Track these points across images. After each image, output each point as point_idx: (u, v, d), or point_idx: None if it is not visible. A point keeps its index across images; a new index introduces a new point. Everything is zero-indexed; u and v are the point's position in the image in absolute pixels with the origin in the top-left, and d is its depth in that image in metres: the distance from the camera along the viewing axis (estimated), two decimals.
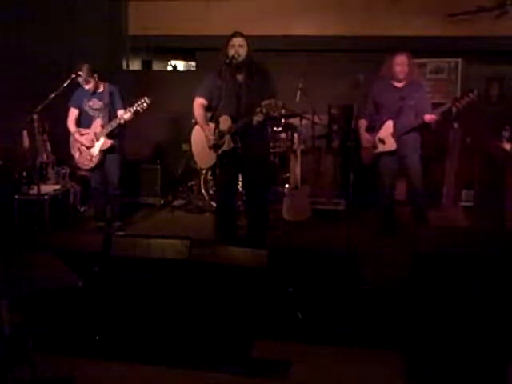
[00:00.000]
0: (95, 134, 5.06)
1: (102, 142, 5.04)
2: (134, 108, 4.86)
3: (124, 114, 4.91)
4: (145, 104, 4.84)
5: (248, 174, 4.40)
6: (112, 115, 5.06)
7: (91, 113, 5.11)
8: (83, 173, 5.92)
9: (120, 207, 5.39)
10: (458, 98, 4.51)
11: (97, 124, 5.06)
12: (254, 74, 4.21)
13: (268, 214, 4.53)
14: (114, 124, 4.97)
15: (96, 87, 5.08)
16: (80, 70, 4.91)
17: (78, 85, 5.07)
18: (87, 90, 5.09)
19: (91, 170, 5.21)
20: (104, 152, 5.08)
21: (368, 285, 3.76)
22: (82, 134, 5.12)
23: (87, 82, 5.00)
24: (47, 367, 2.90)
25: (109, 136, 5.03)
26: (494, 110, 5.60)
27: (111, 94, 5.11)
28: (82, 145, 5.12)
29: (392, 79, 4.73)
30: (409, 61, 4.64)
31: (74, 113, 5.16)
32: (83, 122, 5.17)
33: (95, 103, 5.10)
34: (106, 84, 5.14)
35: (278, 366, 3.10)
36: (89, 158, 5.12)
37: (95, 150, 5.08)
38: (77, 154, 5.19)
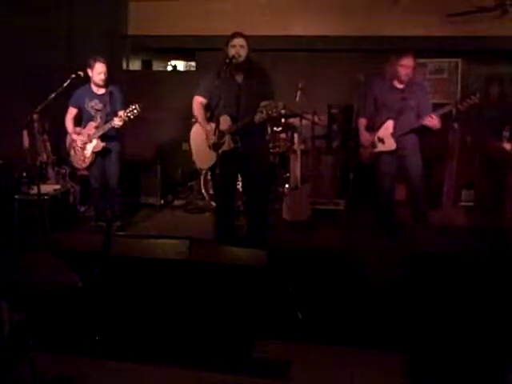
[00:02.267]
0: (89, 135, 5.08)
1: (94, 144, 5.07)
2: (125, 114, 4.86)
3: (115, 121, 4.91)
4: (135, 111, 4.84)
5: (248, 174, 4.40)
6: (111, 115, 5.05)
7: (92, 113, 5.13)
8: (83, 172, 5.93)
9: (120, 207, 5.41)
10: (460, 100, 4.51)
11: (91, 125, 5.09)
12: (254, 74, 4.21)
13: (267, 214, 4.53)
14: (106, 128, 4.98)
15: (104, 85, 5.09)
16: (99, 61, 4.98)
17: (78, 84, 5.06)
18: (90, 90, 5.11)
19: (85, 169, 5.29)
20: (96, 154, 5.11)
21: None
22: (78, 134, 5.15)
23: (101, 77, 5.01)
24: (47, 367, 2.90)
25: (102, 138, 5.05)
26: (493, 110, 5.59)
27: (111, 94, 5.12)
28: (76, 145, 5.15)
29: (394, 80, 4.72)
30: (414, 63, 4.64)
31: (72, 112, 5.18)
32: (85, 121, 5.18)
33: (97, 104, 5.12)
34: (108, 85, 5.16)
35: (277, 365, 3.10)
36: (82, 158, 5.16)
37: (87, 151, 5.11)
38: (71, 153, 5.23)
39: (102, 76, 5.03)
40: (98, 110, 5.11)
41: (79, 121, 5.22)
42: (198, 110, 4.35)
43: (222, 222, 4.47)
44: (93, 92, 5.13)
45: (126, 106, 5.00)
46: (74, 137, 5.14)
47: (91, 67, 5.00)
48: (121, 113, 4.95)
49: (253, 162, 4.27)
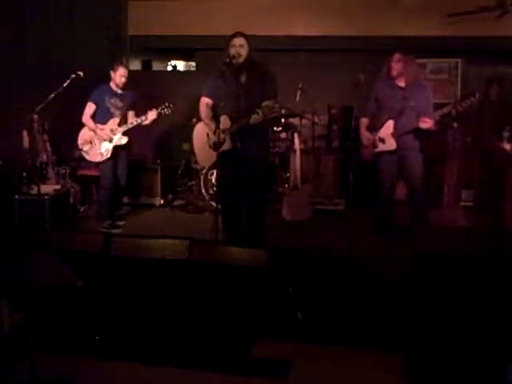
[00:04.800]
0: (111, 130, 5.26)
1: (118, 137, 5.26)
2: (158, 111, 5.19)
3: (149, 116, 5.19)
4: (168, 110, 5.20)
5: (247, 174, 4.39)
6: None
7: (112, 110, 5.31)
8: (83, 172, 5.96)
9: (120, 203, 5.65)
10: (459, 100, 4.52)
11: (114, 121, 5.29)
12: (256, 74, 4.21)
13: (264, 214, 4.52)
14: (135, 122, 5.25)
15: (123, 87, 5.34)
16: (122, 66, 5.33)
17: (99, 83, 5.35)
18: (110, 89, 5.32)
19: (99, 163, 5.39)
20: (116, 148, 5.29)
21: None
22: (100, 129, 5.29)
23: (122, 80, 5.28)
24: (47, 367, 2.90)
25: (124, 133, 5.30)
26: (493, 110, 5.59)
27: (130, 97, 5.39)
28: (97, 139, 5.27)
29: (393, 78, 4.73)
30: (404, 58, 4.64)
31: (91, 107, 5.33)
32: (100, 117, 5.33)
33: (117, 102, 5.32)
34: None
35: (277, 365, 3.10)
36: (99, 152, 5.30)
37: (109, 145, 5.27)
38: (86, 147, 5.35)
39: (123, 79, 5.30)
40: (117, 108, 5.32)
41: (92, 116, 5.36)
42: (204, 112, 4.36)
43: (228, 223, 4.45)
44: (113, 91, 5.34)
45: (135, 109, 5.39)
46: (99, 131, 5.25)
47: (114, 70, 5.27)
48: (133, 113, 5.34)
49: (252, 162, 4.27)
